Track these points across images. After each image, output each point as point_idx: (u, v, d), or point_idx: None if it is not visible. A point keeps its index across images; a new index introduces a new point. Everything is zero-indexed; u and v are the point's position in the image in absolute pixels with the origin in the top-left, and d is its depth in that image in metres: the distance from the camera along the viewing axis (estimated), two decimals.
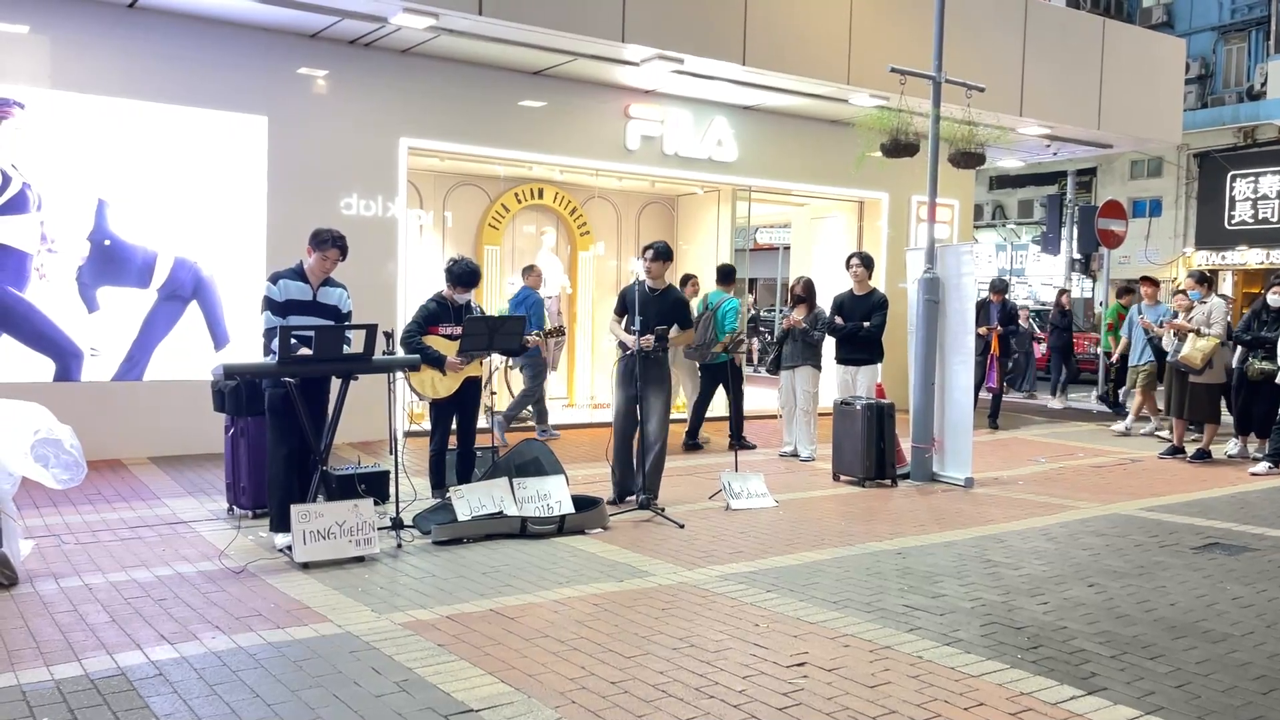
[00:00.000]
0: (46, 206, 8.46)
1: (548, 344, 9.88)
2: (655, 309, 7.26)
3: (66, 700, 3.69)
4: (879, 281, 11.18)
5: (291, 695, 3.78)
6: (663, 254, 7.36)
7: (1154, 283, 12.32)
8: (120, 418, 8.75)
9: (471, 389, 7.14)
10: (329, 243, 6.25)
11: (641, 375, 7.21)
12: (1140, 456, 10.26)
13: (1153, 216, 28.83)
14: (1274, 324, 9.44)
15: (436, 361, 6.82)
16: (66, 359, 8.61)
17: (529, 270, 10.72)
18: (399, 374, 6.59)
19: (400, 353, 6.87)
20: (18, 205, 8.36)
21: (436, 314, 7.05)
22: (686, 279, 10.82)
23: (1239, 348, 9.85)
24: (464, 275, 7.07)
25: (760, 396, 13.19)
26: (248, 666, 4.06)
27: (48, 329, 8.51)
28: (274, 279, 6.21)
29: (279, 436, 6.06)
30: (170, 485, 7.79)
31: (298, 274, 6.25)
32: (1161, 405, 11.16)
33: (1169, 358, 10.18)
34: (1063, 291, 17.13)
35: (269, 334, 6.11)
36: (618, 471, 7.42)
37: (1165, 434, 11.07)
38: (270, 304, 6.13)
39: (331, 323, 6.19)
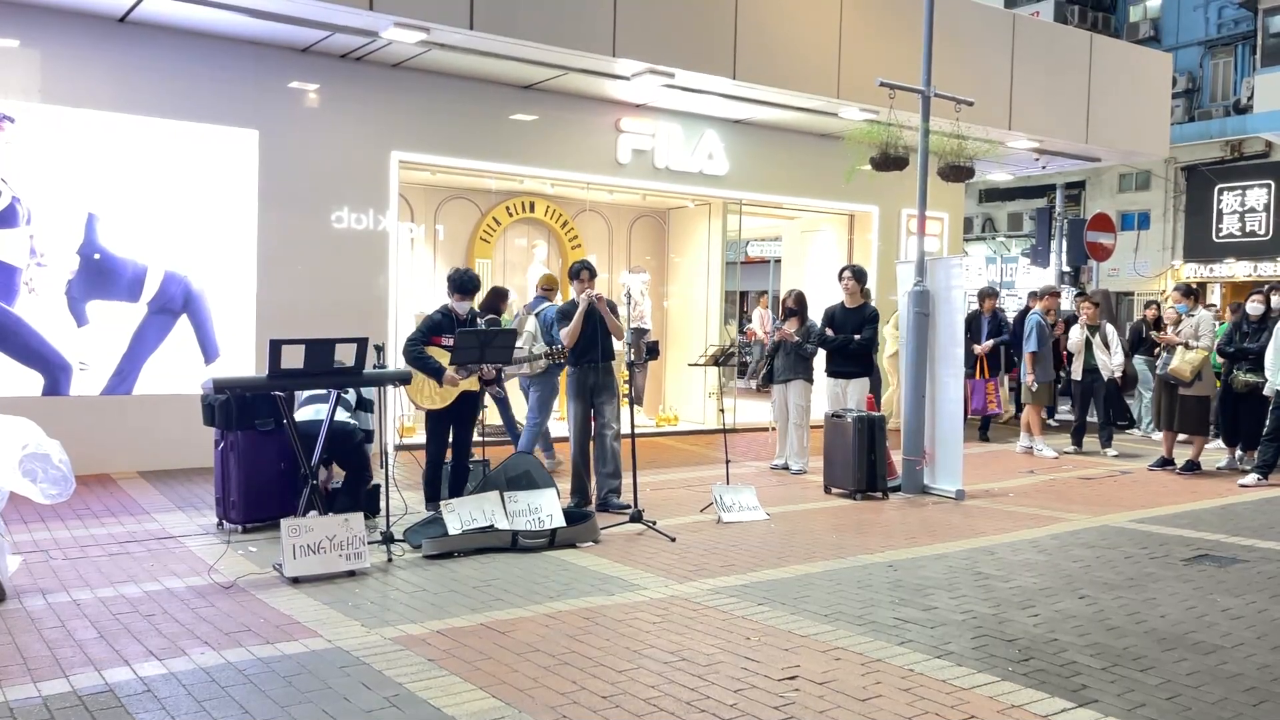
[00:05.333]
0: (36, 220, 8.44)
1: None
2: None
3: (54, 717, 3.67)
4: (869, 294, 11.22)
5: (281, 711, 3.76)
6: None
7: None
8: (109, 432, 8.72)
9: (468, 402, 7.17)
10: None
11: (598, 385, 7.57)
12: (1130, 469, 10.29)
13: (1141, 229, 28.96)
14: (1255, 335, 9.50)
15: (436, 372, 6.87)
16: (55, 373, 8.57)
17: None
18: (389, 388, 6.61)
19: (391, 366, 6.89)
20: (7, 219, 8.34)
21: (440, 325, 7.14)
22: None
23: (1223, 360, 9.90)
24: (463, 282, 7.20)
25: (751, 409, 13.21)
26: (237, 682, 4.04)
27: (36, 343, 8.48)
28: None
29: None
30: (159, 500, 7.75)
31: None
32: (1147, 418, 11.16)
33: (1158, 370, 10.22)
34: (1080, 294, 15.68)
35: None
36: (580, 478, 7.63)
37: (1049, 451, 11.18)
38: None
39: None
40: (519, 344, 8.51)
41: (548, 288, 9.70)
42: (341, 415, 6.86)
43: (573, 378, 7.66)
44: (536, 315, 9.14)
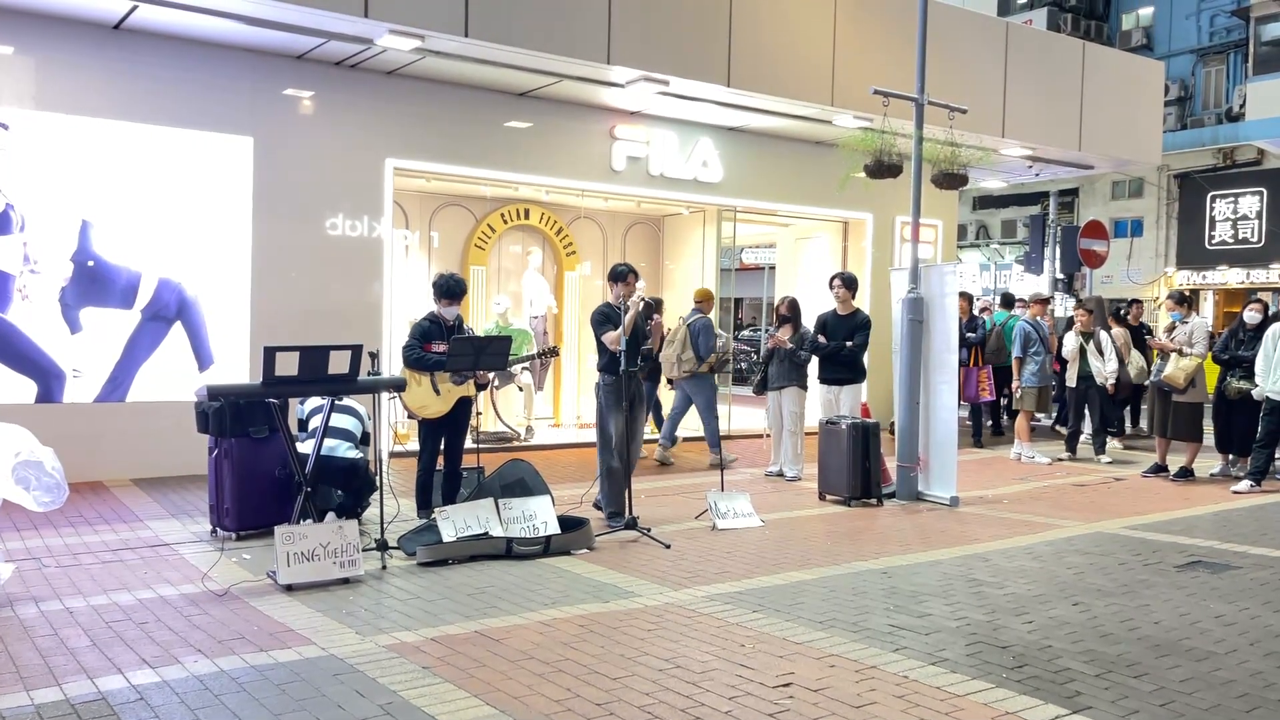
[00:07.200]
0: (30, 227, 8.43)
1: (535, 365, 9.91)
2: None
3: None
4: (864, 302, 11.24)
5: (274, 719, 3.75)
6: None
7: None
8: (103, 439, 8.69)
9: (463, 409, 7.18)
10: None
11: (636, 395, 7.37)
12: (1123, 475, 10.31)
13: (1134, 237, 29.08)
14: (1250, 343, 9.52)
15: (439, 365, 6.91)
16: (49, 380, 8.55)
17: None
18: (385, 395, 6.62)
19: (385, 373, 6.91)
20: (1, 226, 8.32)
21: (430, 332, 7.15)
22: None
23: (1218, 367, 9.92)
24: (449, 287, 7.20)
25: (747, 416, 13.21)
26: (230, 690, 4.03)
27: (30, 350, 8.46)
28: None
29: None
30: (153, 507, 7.73)
31: None
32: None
33: (1152, 377, 10.24)
34: (1134, 302, 14.05)
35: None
36: (622, 493, 7.15)
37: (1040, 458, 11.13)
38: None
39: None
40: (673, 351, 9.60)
41: (701, 300, 10.51)
42: (350, 452, 6.94)
43: (612, 387, 7.25)
44: (689, 325, 10.10)
